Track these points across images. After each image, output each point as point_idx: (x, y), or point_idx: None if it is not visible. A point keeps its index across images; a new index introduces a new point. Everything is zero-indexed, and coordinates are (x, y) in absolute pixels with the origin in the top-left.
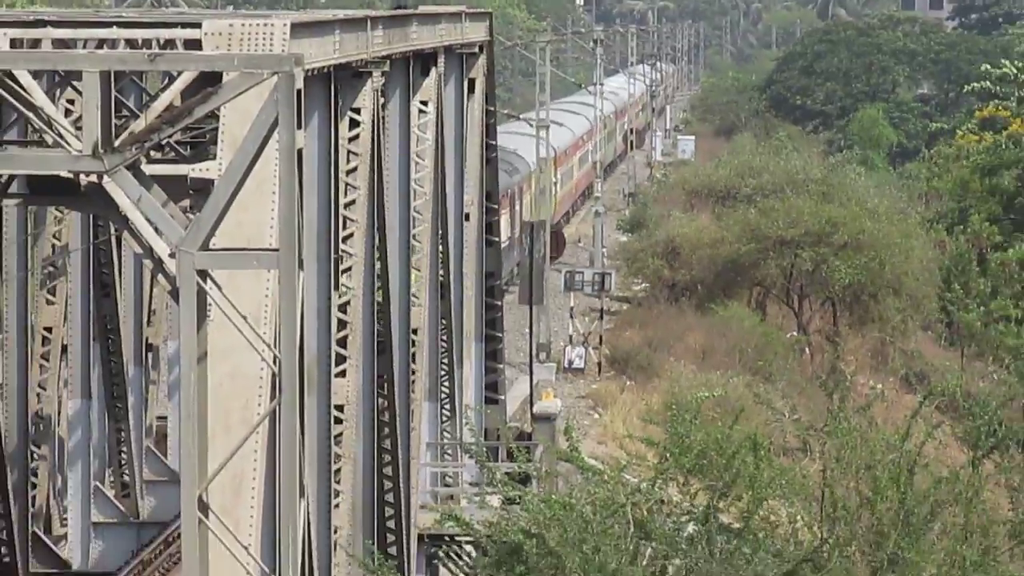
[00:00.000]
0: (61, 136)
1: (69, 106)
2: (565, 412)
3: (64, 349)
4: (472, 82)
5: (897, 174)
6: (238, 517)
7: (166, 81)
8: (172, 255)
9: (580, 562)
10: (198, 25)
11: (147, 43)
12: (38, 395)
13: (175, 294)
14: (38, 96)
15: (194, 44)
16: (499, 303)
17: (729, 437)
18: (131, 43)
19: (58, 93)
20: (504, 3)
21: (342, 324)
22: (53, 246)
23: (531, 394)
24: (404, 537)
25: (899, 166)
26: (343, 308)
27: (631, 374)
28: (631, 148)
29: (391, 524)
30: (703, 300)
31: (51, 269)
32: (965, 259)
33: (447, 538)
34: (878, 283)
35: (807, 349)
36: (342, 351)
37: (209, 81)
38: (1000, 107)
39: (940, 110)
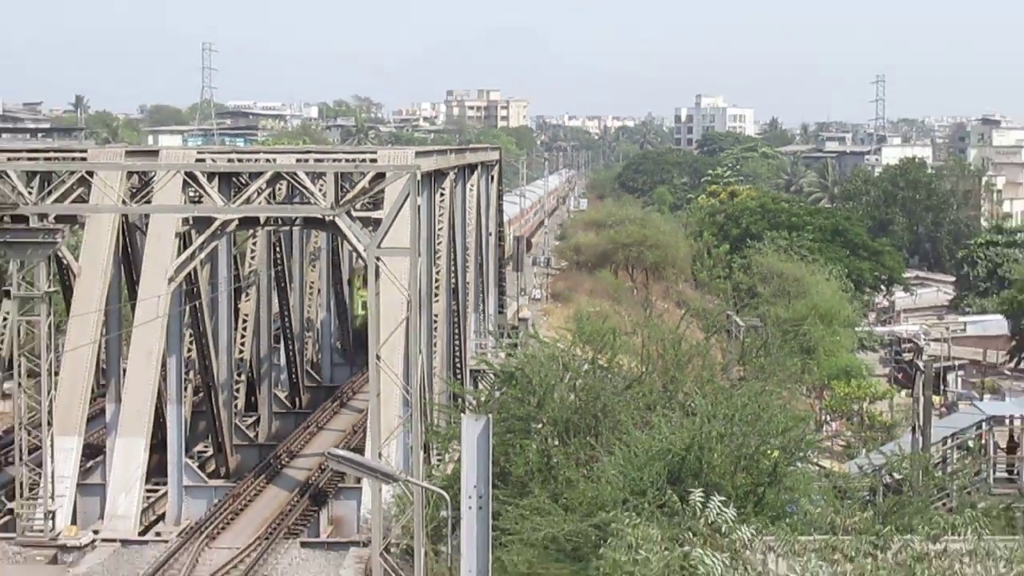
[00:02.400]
0: (318, 200)
1: (323, 184)
2: (532, 316)
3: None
4: (492, 177)
5: (674, 216)
6: (395, 362)
7: (364, 176)
8: (365, 250)
9: (537, 380)
10: (375, 151)
11: (359, 160)
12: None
13: (365, 269)
14: (307, 184)
15: (374, 159)
16: (504, 272)
17: (601, 327)
18: (349, 159)
19: (318, 182)
20: (505, 141)
21: (438, 284)
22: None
23: (518, 309)
24: (464, 370)
25: (674, 211)
26: (437, 276)
27: (561, 300)
28: (559, 204)
29: (458, 364)
30: (592, 270)
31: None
32: (701, 251)
33: (481, 371)
34: (664, 262)
35: (635, 291)
36: (437, 295)
37: (381, 176)
38: (716, 188)
39: (692, 188)
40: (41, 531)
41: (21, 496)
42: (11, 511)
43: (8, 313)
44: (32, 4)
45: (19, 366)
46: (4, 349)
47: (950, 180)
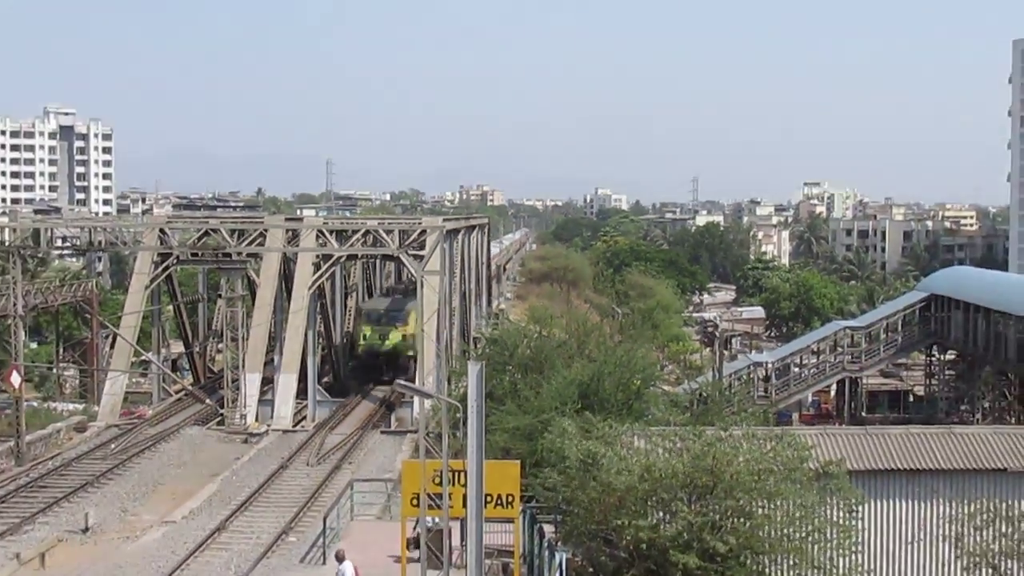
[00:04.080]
0: (389, 244)
1: (392, 236)
2: (506, 308)
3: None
4: (485, 232)
5: (583, 253)
6: (431, 332)
7: (415, 231)
8: (415, 272)
9: (508, 341)
10: (421, 219)
11: (413, 223)
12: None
13: (418, 279)
14: (384, 235)
15: (420, 223)
16: (491, 283)
17: (543, 313)
18: (407, 222)
19: (390, 235)
20: (491, 212)
21: (455, 290)
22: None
23: (498, 304)
24: (469, 337)
25: (583, 251)
26: (454, 285)
27: (521, 300)
28: (521, 247)
29: (466, 334)
30: (539, 282)
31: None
32: (598, 272)
33: (478, 337)
34: (578, 278)
35: (562, 294)
36: (454, 296)
37: (424, 231)
38: (606, 238)
39: (593, 238)
40: (238, 425)
41: (228, 406)
42: (222, 414)
43: (221, 307)
44: (234, 134)
45: (227, 335)
46: (217, 325)
47: (732, 233)
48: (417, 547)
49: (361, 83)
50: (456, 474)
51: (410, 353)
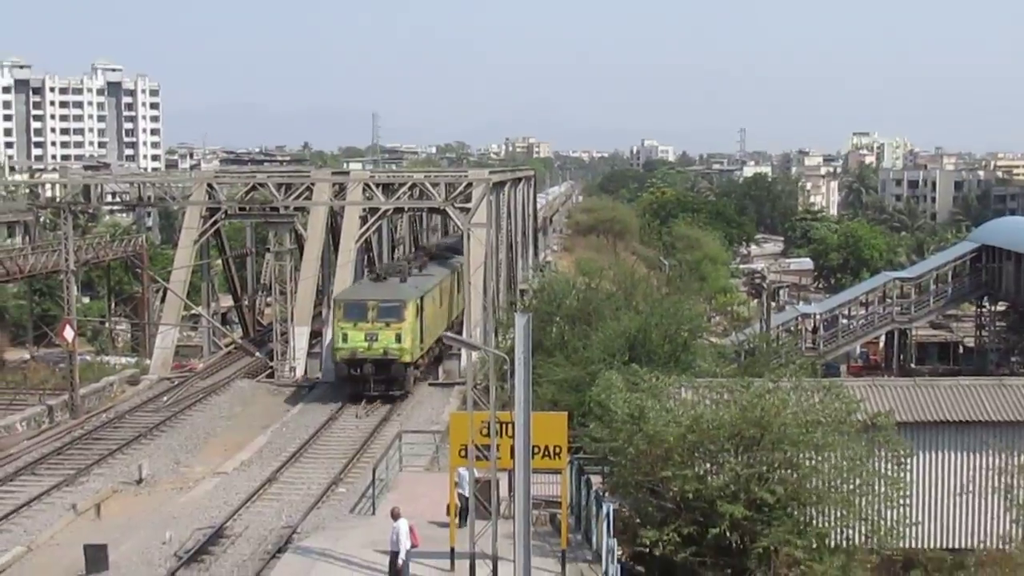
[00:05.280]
0: (436, 197)
1: (439, 189)
2: (552, 260)
3: None
4: (531, 184)
5: (630, 205)
6: (478, 285)
7: (461, 184)
8: (462, 224)
9: (555, 293)
10: (467, 171)
11: (459, 176)
12: None
13: (463, 234)
14: (430, 189)
15: (466, 175)
16: (537, 235)
17: (591, 266)
18: (453, 175)
19: (436, 188)
20: (538, 164)
21: (502, 242)
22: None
23: (545, 255)
24: (516, 289)
25: (630, 203)
26: (501, 238)
27: (567, 252)
28: (567, 199)
29: (513, 286)
30: (585, 234)
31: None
32: (645, 224)
33: (525, 289)
34: (624, 230)
35: (608, 246)
36: (501, 248)
37: (470, 184)
38: (652, 190)
39: (639, 190)
40: (287, 377)
41: (277, 359)
42: (271, 367)
43: (269, 261)
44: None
45: (275, 289)
46: (266, 278)
47: (780, 184)
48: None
49: (408, 36)
50: (504, 425)
51: (407, 360)
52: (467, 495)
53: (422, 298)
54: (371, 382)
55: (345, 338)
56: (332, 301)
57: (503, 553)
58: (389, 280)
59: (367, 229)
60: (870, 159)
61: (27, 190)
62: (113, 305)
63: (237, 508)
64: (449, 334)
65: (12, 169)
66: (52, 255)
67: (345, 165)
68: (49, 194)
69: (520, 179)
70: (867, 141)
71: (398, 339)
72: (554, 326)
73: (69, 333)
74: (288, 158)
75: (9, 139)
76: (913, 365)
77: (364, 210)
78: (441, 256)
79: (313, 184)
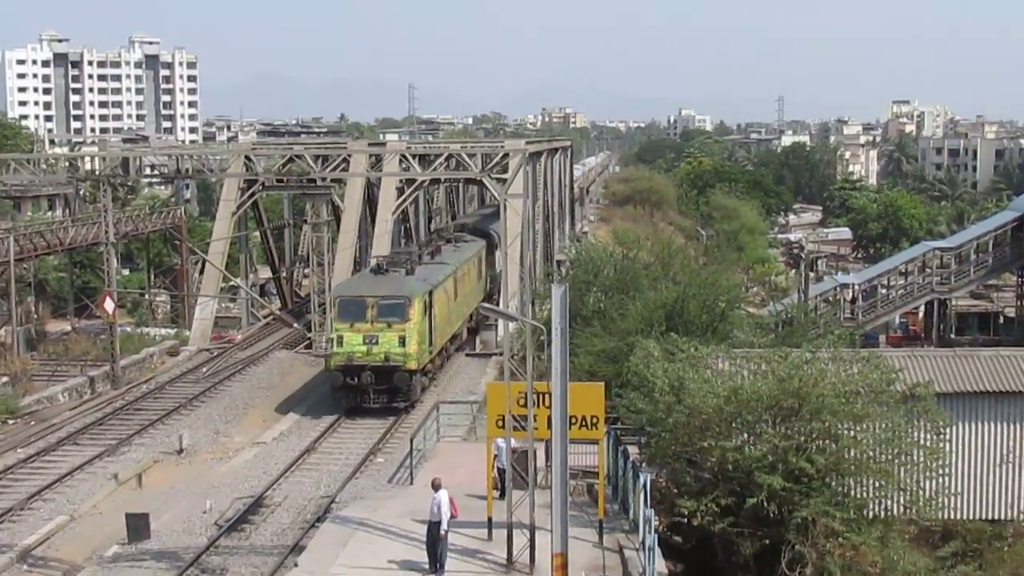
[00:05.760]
0: (472, 168)
1: (475, 160)
2: (589, 230)
3: None
4: (567, 154)
5: (667, 175)
6: (515, 255)
7: (498, 155)
8: (499, 195)
9: (592, 262)
10: (503, 142)
11: (496, 146)
12: None
13: (501, 202)
14: (467, 159)
15: (503, 146)
16: (574, 205)
17: (628, 236)
18: (489, 146)
19: (473, 158)
20: (574, 135)
21: (539, 212)
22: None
23: (581, 226)
24: (553, 259)
25: (667, 172)
26: (538, 208)
27: (604, 222)
28: (604, 169)
29: (550, 256)
30: (622, 205)
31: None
32: (682, 194)
33: (562, 260)
34: (662, 200)
35: (645, 216)
36: (538, 218)
37: (507, 155)
38: (690, 159)
39: (676, 159)
40: (325, 348)
41: (315, 330)
42: (309, 338)
43: (306, 233)
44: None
45: (312, 260)
46: (303, 250)
47: (819, 153)
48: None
49: (443, 6)
50: (541, 396)
51: (412, 366)
52: (504, 467)
53: (431, 292)
54: (370, 392)
55: (340, 341)
56: (327, 297)
57: (540, 523)
58: (392, 272)
59: (404, 200)
60: (910, 128)
61: (67, 163)
62: (152, 277)
63: (276, 478)
64: (486, 305)
65: (52, 142)
66: (92, 227)
67: (381, 136)
68: (88, 167)
69: (557, 149)
70: (907, 109)
71: (402, 342)
72: (591, 296)
73: (110, 305)
74: (324, 130)
75: (48, 112)
76: (953, 335)
77: (401, 181)
78: (458, 239)
79: (350, 156)
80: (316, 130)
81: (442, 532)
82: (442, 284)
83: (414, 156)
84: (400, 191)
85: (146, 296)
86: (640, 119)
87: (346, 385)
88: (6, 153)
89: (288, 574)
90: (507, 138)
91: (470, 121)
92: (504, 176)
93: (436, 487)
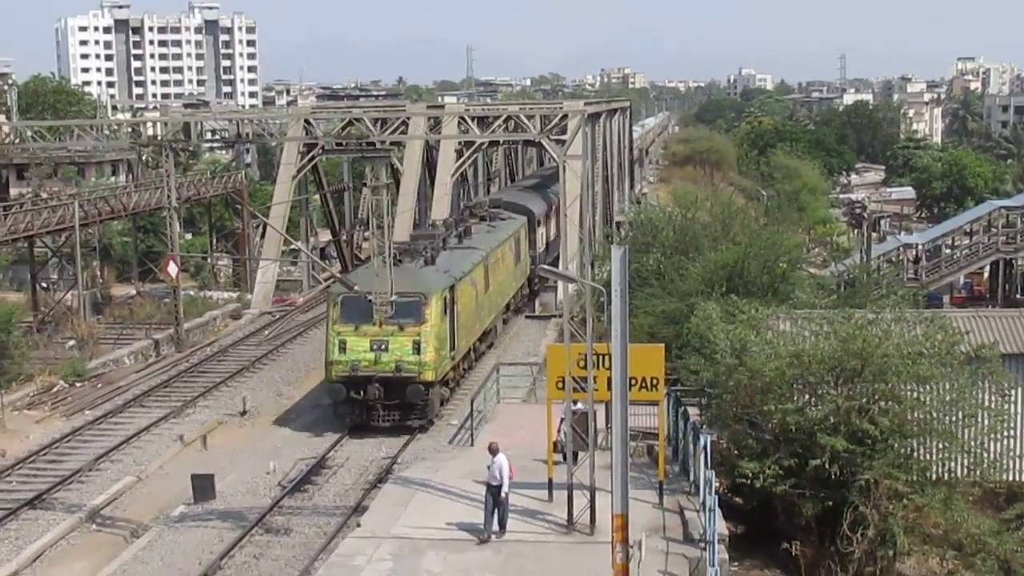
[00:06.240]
0: (531, 130)
1: (534, 121)
2: (648, 191)
3: None
4: (626, 115)
5: (727, 134)
6: (574, 217)
7: (556, 116)
8: (558, 156)
9: (651, 223)
10: (562, 103)
11: (554, 108)
12: None
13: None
14: (525, 121)
15: (561, 107)
16: (633, 167)
17: (687, 196)
18: (548, 107)
19: (531, 120)
20: (633, 95)
21: (598, 174)
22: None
23: (641, 187)
24: (612, 221)
25: (726, 132)
26: (597, 170)
27: (664, 183)
28: (663, 130)
29: (609, 217)
30: (682, 165)
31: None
32: (742, 154)
33: (622, 221)
34: (721, 160)
35: (705, 177)
36: (597, 180)
37: (565, 116)
38: (750, 119)
39: (736, 119)
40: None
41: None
42: (369, 300)
43: (366, 196)
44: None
45: (372, 223)
46: (363, 213)
47: (882, 111)
48: (563, 450)
49: None
50: (600, 357)
51: (429, 378)
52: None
53: (454, 286)
54: (379, 409)
55: (343, 347)
56: (327, 294)
57: (600, 484)
58: (407, 263)
59: (463, 162)
60: (975, 85)
61: (129, 129)
62: (214, 241)
63: (339, 439)
64: (545, 266)
65: (114, 108)
66: (155, 192)
67: (440, 99)
68: (150, 132)
69: (615, 110)
70: (972, 66)
71: (416, 348)
72: (650, 257)
73: (173, 269)
74: (383, 93)
75: (111, 79)
76: (1019, 296)
77: (459, 143)
78: (494, 216)
79: (409, 118)
80: (375, 93)
81: (503, 495)
82: (469, 275)
83: (473, 118)
84: (459, 153)
85: (208, 260)
86: (700, 79)
87: (350, 399)
88: (70, 119)
89: (351, 534)
90: (565, 99)
91: (528, 83)
92: (563, 138)
93: (494, 452)
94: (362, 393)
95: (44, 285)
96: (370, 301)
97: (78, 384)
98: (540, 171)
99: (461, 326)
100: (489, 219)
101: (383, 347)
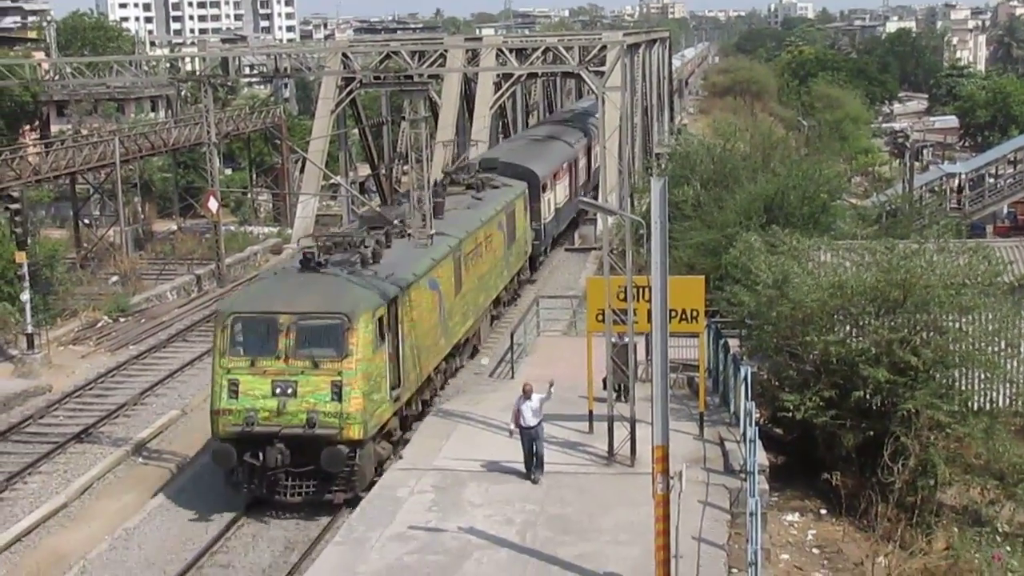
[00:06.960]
0: (570, 61)
1: (573, 53)
2: (688, 122)
3: None
4: (666, 46)
5: (768, 64)
6: (613, 150)
7: (595, 47)
8: (596, 88)
9: (690, 155)
10: (600, 34)
11: (593, 39)
12: None
13: (599, 96)
14: (564, 53)
15: (600, 38)
16: (672, 98)
17: (727, 127)
18: (587, 38)
19: (570, 52)
20: (673, 25)
21: (637, 106)
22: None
23: (680, 118)
24: (651, 153)
25: (767, 62)
26: (636, 101)
27: (703, 114)
28: (703, 60)
29: (649, 149)
30: (721, 96)
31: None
32: (783, 84)
33: (661, 153)
34: (762, 90)
35: (745, 107)
36: (636, 112)
37: (604, 47)
38: (791, 48)
39: (777, 48)
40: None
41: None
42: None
43: (404, 129)
44: None
45: (411, 157)
46: (402, 147)
47: (925, 39)
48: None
49: None
50: (640, 290)
51: (354, 435)
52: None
53: (396, 298)
54: (286, 477)
55: (234, 391)
56: (214, 313)
57: (641, 416)
58: (330, 269)
59: (501, 95)
60: (1021, 11)
61: (167, 65)
62: (254, 176)
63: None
64: (585, 199)
65: (152, 44)
66: (194, 128)
67: (478, 31)
68: (189, 68)
69: (655, 41)
70: None
71: (336, 393)
72: (689, 189)
73: (213, 204)
74: (421, 26)
75: (148, 14)
76: None
77: (498, 76)
78: (482, 184)
79: (446, 51)
80: (412, 26)
81: (537, 432)
82: (427, 275)
83: (511, 50)
84: (497, 86)
85: (248, 195)
86: (740, 8)
87: (243, 463)
88: (108, 56)
89: (392, 466)
90: (604, 30)
91: (566, 14)
92: (602, 69)
93: (528, 394)
94: (260, 457)
95: (87, 222)
96: (274, 321)
97: (122, 319)
98: (560, 113)
99: (414, 349)
100: (477, 187)
101: (290, 391)
